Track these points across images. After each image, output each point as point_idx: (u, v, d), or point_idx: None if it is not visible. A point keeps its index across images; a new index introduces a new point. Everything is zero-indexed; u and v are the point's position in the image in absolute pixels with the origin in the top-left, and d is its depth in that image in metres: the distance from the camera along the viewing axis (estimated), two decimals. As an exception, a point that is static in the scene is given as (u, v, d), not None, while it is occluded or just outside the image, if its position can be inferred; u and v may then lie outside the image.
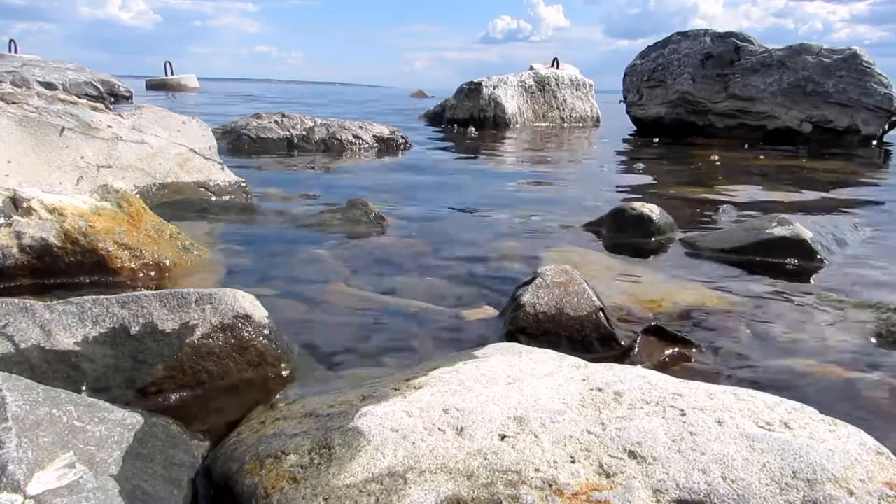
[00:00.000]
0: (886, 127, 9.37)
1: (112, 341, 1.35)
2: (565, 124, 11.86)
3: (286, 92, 32.98)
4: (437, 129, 10.26)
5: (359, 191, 4.03)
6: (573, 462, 0.93)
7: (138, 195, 2.60)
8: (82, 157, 3.00)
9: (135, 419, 1.10)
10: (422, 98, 28.26)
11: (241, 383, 1.42)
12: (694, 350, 1.70)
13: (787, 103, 9.61)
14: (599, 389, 1.14)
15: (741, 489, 0.86)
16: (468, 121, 10.37)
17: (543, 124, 11.42)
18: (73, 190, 2.69)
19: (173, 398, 1.33)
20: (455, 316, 1.91)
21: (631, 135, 10.71)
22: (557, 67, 12.73)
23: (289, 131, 6.43)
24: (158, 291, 1.46)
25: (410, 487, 0.88)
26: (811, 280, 2.43)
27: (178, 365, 1.36)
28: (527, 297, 1.76)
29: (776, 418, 1.03)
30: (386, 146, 6.80)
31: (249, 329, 1.47)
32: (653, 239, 2.98)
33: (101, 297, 1.41)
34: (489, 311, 1.94)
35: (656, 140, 9.37)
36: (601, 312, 1.74)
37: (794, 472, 0.89)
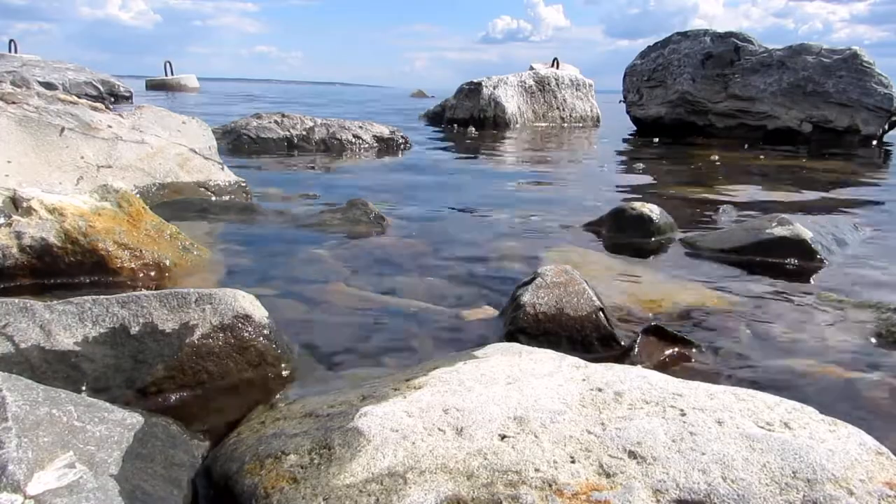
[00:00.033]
0: (886, 127, 9.37)
1: (112, 341, 1.35)
2: (565, 124, 11.86)
3: (286, 92, 32.99)
4: (437, 129, 10.26)
5: (359, 191, 4.03)
6: (573, 462, 0.93)
7: (138, 195, 2.60)
8: (82, 157, 3.00)
9: (135, 419, 1.10)
10: (422, 98, 28.26)
11: (241, 383, 1.42)
12: (694, 350, 1.70)
13: (787, 103, 9.61)
14: (599, 389, 1.14)
15: (741, 489, 0.86)
16: (468, 121, 10.37)
17: (543, 124, 11.43)
18: (73, 190, 2.69)
19: (173, 398, 1.33)
20: (455, 316, 1.91)
21: (631, 135, 10.71)
22: (557, 67, 12.73)
23: (289, 131, 6.43)
24: (158, 291, 1.46)
25: (410, 487, 0.88)
26: (811, 280, 2.43)
27: (178, 365, 1.36)
28: (527, 297, 1.76)
29: (776, 418, 1.03)
30: (386, 146, 6.80)
31: (249, 329, 1.47)
32: (653, 239, 2.98)
33: (101, 297, 1.41)
34: (489, 311, 1.94)
35: (656, 140, 9.37)
36: (601, 312, 1.74)
37: (794, 472, 0.89)
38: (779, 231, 2.71)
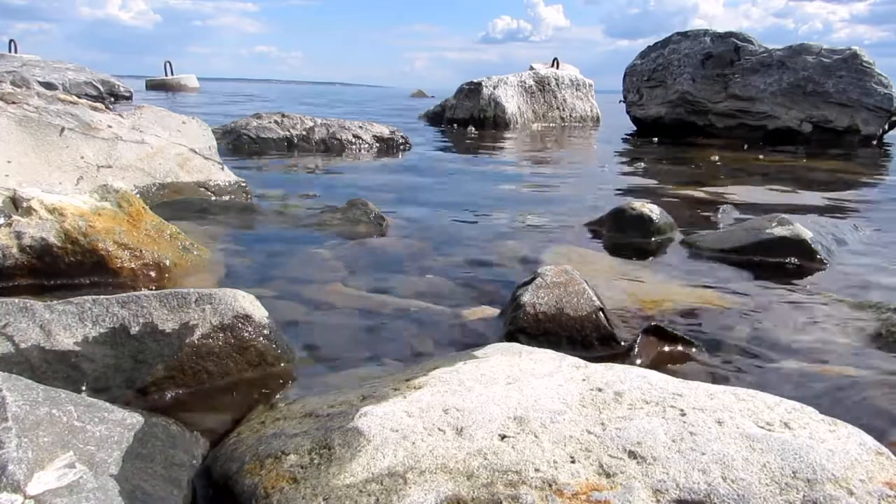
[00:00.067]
0: (886, 127, 9.37)
1: (112, 341, 1.35)
2: (565, 124, 11.86)
3: (286, 92, 32.99)
4: (437, 129, 10.26)
5: (359, 191, 4.03)
6: (573, 462, 0.93)
7: (138, 195, 2.60)
8: (82, 157, 3.00)
9: (135, 419, 1.10)
10: (422, 98, 28.26)
11: (241, 383, 1.42)
12: (694, 350, 1.70)
13: (787, 103, 9.61)
14: (599, 389, 1.14)
15: (741, 489, 0.86)
16: (468, 121, 10.37)
17: (543, 124, 11.43)
18: (73, 190, 2.69)
19: (173, 398, 1.33)
20: (455, 316, 1.91)
21: (631, 135, 10.71)
22: (557, 67, 12.73)
23: (289, 131, 6.43)
24: (158, 291, 1.46)
25: (410, 487, 0.88)
26: (811, 280, 2.43)
27: (178, 365, 1.36)
28: (527, 297, 1.76)
29: (776, 418, 1.03)
30: (386, 146, 6.80)
31: (249, 329, 1.47)
32: (653, 239, 2.98)
33: (101, 297, 1.41)
34: (489, 311, 1.94)
35: (656, 140, 9.37)
36: (601, 312, 1.74)
37: (794, 472, 0.89)
38: (779, 231, 2.71)
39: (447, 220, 3.37)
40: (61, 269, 1.99)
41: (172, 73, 22.85)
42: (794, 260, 2.61)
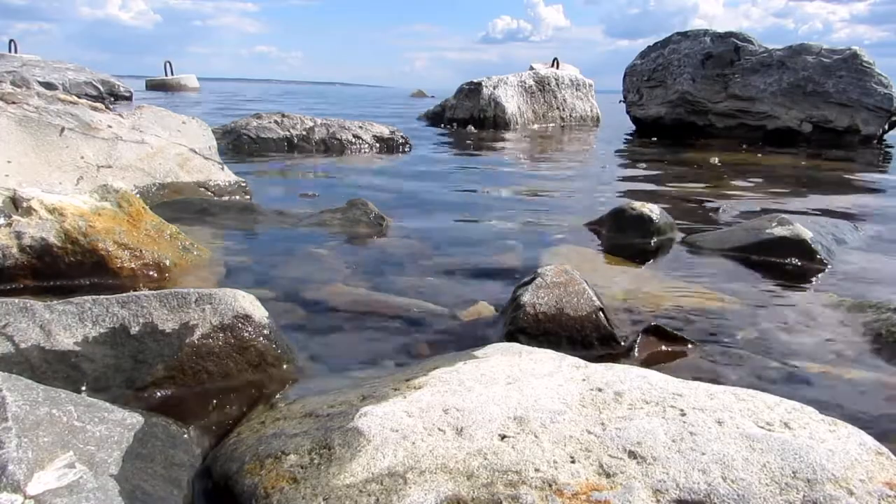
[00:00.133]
0: (886, 127, 9.37)
1: (112, 341, 1.35)
2: (565, 124, 11.86)
3: (286, 92, 32.99)
4: (437, 129, 10.26)
5: (358, 191, 4.03)
6: (573, 462, 0.93)
7: (138, 195, 2.60)
8: (82, 157, 3.00)
9: (135, 419, 1.10)
10: (422, 98, 28.26)
11: (241, 383, 1.42)
12: (694, 350, 1.70)
13: (787, 103, 9.60)
14: (599, 389, 1.14)
15: (741, 489, 0.86)
16: (468, 121, 10.37)
17: (543, 124, 11.43)
18: (73, 190, 2.69)
19: (173, 398, 1.33)
20: (455, 316, 1.91)
21: (631, 135, 10.71)
22: (557, 67, 12.73)
23: (289, 131, 6.43)
24: (158, 291, 1.46)
25: (410, 487, 0.88)
26: (811, 280, 2.43)
27: (178, 365, 1.36)
28: (527, 297, 1.76)
29: (776, 418, 1.03)
30: (386, 146, 6.80)
31: (249, 329, 1.47)
32: (653, 239, 2.98)
33: (101, 297, 1.41)
34: (489, 311, 1.94)
35: (656, 140, 9.37)
36: (601, 312, 1.74)
37: (794, 472, 0.89)
38: (779, 231, 2.71)
39: (447, 220, 3.37)
40: (61, 269, 1.99)
41: (172, 74, 22.86)
42: (794, 260, 2.61)
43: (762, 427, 1.00)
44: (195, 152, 3.55)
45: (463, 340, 1.73)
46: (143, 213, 2.29)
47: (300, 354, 1.59)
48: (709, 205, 4.07)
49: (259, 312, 1.52)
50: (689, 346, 1.71)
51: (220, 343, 1.42)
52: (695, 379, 1.24)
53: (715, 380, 1.49)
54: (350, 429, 1.01)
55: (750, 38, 10.20)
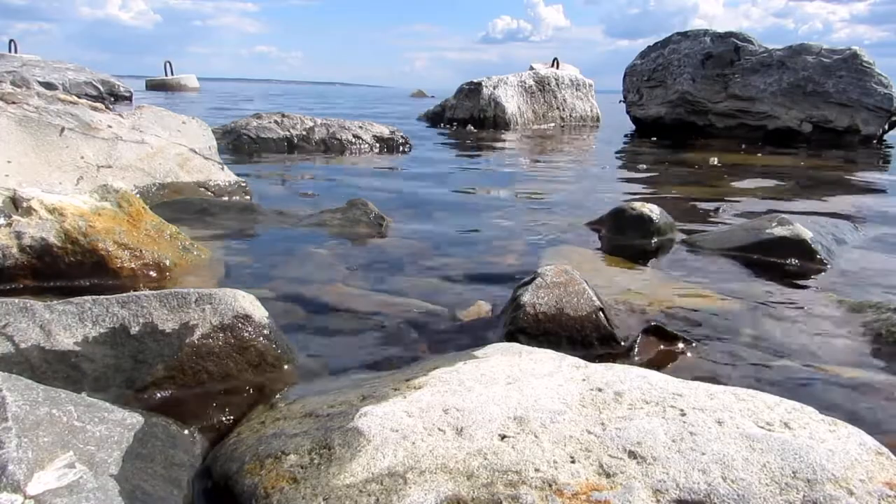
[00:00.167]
0: (886, 127, 9.37)
1: (112, 341, 1.35)
2: (565, 124, 11.86)
3: (286, 92, 33.00)
4: (437, 129, 10.26)
5: (358, 191, 4.03)
6: (573, 462, 0.93)
7: (138, 195, 2.60)
8: (82, 157, 3.00)
9: (135, 419, 1.10)
10: (422, 98, 28.26)
11: (241, 383, 1.42)
12: (694, 350, 1.70)
13: (787, 103, 9.61)
14: (599, 389, 1.14)
15: (741, 489, 0.86)
16: (468, 121, 10.37)
17: (543, 124, 11.42)
18: (73, 190, 2.69)
19: (173, 398, 1.33)
20: (454, 316, 1.91)
21: (631, 135, 10.71)
22: (557, 67, 12.73)
23: (289, 131, 6.43)
24: (158, 291, 1.46)
25: (410, 487, 0.88)
26: (811, 280, 2.43)
27: (178, 365, 1.36)
28: (527, 297, 1.76)
29: (776, 418, 1.03)
30: (386, 146, 6.80)
31: (249, 329, 1.47)
32: (653, 239, 2.98)
33: (101, 297, 1.41)
34: (489, 312, 1.94)
35: (656, 140, 9.37)
36: (601, 312, 1.74)
37: (794, 472, 0.89)
38: (779, 231, 2.71)
39: (447, 220, 3.37)
40: (61, 269, 1.99)
41: (172, 74, 22.87)
42: (794, 260, 2.61)
43: (762, 427, 1.00)
44: (195, 152, 3.55)
45: (463, 340, 1.73)
46: (143, 213, 2.29)
47: (300, 354, 1.59)
48: (709, 205, 4.07)
49: (259, 312, 1.52)
50: (690, 346, 1.71)
51: (220, 343, 1.42)
52: (695, 379, 1.24)
53: (715, 380, 1.49)
54: (350, 429, 1.01)
55: (750, 38, 10.20)
